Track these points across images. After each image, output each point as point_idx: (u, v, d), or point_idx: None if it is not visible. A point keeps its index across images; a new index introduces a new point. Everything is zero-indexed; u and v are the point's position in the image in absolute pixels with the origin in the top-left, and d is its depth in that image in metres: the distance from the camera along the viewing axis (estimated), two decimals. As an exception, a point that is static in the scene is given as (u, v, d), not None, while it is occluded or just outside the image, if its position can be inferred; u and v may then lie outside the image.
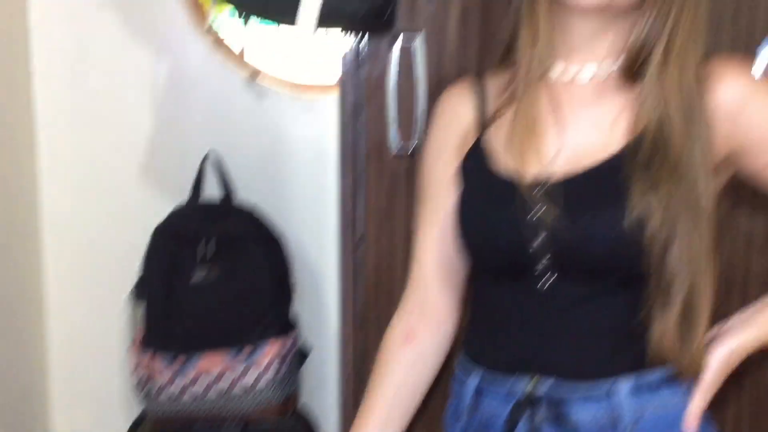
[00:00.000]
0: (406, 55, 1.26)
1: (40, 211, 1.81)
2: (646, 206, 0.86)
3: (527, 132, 0.94)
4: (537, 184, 0.92)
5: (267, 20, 1.23)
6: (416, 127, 1.28)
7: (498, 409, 0.95)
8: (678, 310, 0.88)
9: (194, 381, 1.62)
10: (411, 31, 1.25)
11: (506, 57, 1.01)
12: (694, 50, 0.90)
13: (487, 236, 0.95)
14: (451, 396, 1.04)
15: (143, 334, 1.65)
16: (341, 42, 1.28)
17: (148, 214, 1.70)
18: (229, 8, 1.30)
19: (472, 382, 0.98)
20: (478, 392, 0.98)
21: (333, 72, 1.67)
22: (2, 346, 1.71)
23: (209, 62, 1.75)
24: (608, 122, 0.93)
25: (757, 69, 1.21)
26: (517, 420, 0.94)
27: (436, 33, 1.26)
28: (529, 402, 0.93)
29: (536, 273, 0.92)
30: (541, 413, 0.93)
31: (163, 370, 1.62)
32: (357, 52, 1.28)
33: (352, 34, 1.25)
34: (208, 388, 1.63)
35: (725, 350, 0.92)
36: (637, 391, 0.91)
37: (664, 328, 0.88)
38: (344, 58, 1.28)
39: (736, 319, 0.95)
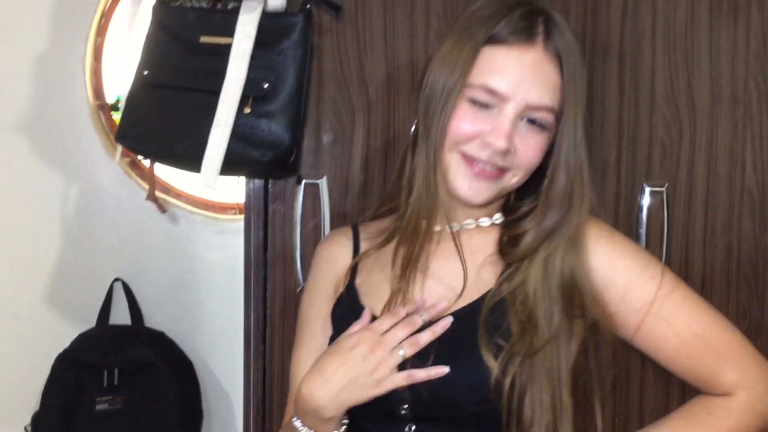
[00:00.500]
0: (312, 193, 1.30)
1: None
2: (508, 357, 0.92)
3: (395, 278, 1.00)
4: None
5: (171, 166, 1.25)
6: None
7: None
8: None
9: None
10: (316, 174, 1.29)
11: (386, 204, 1.10)
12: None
13: None
14: None
15: (41, 469, 1.58)
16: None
17: (51, 341, 1.65)
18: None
19: None
20: None
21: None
22: None
23: (121, 186, 1.75)
24: (475, 270, 1.00)
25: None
26: None
27: (341, 175, 1.30)
28: None
29: (399, 418, 0.96)
30: None
31: None
32: (265, 188, 1.31)
33: (257, 178, 1.28)
34: None
35: None
36: None
37: None
38: (249, 192, 1.31)
39: None
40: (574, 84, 0.98)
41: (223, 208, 1.81)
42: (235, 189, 1.80)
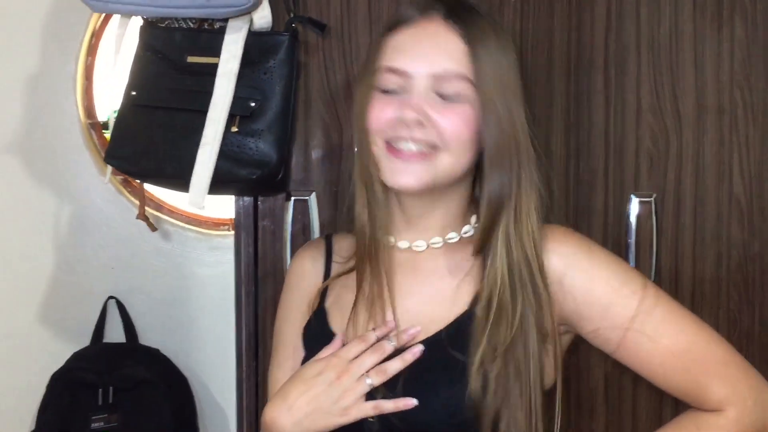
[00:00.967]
0: (302, 210, 1.31)
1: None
2: (483, 379, 0.90)
3: (366, 300, 0.98)
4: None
5: (160, 186, 1.25)
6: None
7: None
8: None
9: None
10: (305, 190, 1.30)
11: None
12: (531, 216, 0.96)
13: None
14: None
15: (36, 489, 1.58)
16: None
17: (46, 360, 1.66)
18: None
19: None
20: None
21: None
22: None
23: (113, 204, 1.76)
24: (448, 291, 0.98)
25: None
26: None
27: (330, 191, 1.31)
28: None
29: None
30: None
31: None
32: (254, 205, 1.32)
33: (246, 196, 1.29)
34: None
35: None
36: None
37: None
38: (239, 210, 1.31)
39: None
40: (485, 50, 0.94)
41: (215, 224, 1.81)
42: (227, 205, 1.81)
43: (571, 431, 1.28)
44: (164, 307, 1.76)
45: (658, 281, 1.27)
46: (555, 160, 1.30)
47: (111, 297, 1.73)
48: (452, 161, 0.95)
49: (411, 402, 0.91)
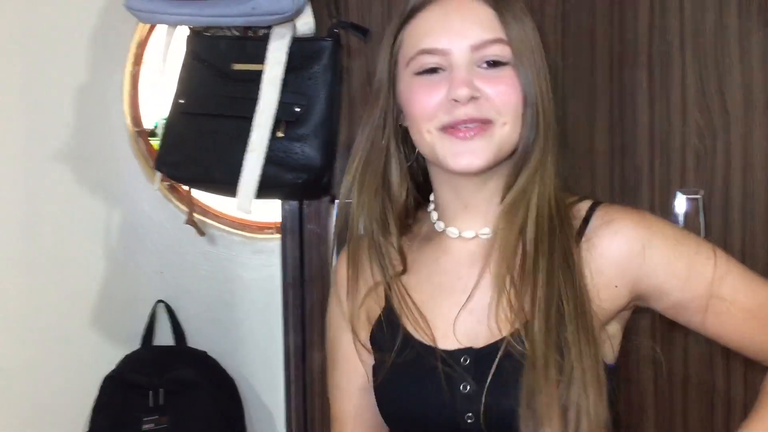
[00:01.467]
0: (347, 213, 1.32)
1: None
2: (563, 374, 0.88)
3: (436, 297, 0.97)
4: (459, 354, 0.93)
5: (209, 192, 1.28)
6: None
7: None
8: None
9: None
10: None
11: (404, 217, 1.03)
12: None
13: (415, 416, 0.95)
14: None
15: (92, 489, 1.62)
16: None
17: (98, 363, 1.70)
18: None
19: None
20: None
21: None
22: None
23: (161, 210, 1.79)
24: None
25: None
26: None
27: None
28: None
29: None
30: None
31: None
32: (300, 209, 1.34)
33: (292, 200, 1.31)
34: None
35: None
36: None
37: None
38: (285, 214, 1.33)
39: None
40: (511, 13, 0.94)
41: (260, 228, 1.83)
42: (272, 208, 1.83)
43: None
44: (211, 310, 1.79)
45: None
46: (598, 158, 1.29)
47: (160, 301, 1.77)
48: (509, 130, 0.94)
49: None
